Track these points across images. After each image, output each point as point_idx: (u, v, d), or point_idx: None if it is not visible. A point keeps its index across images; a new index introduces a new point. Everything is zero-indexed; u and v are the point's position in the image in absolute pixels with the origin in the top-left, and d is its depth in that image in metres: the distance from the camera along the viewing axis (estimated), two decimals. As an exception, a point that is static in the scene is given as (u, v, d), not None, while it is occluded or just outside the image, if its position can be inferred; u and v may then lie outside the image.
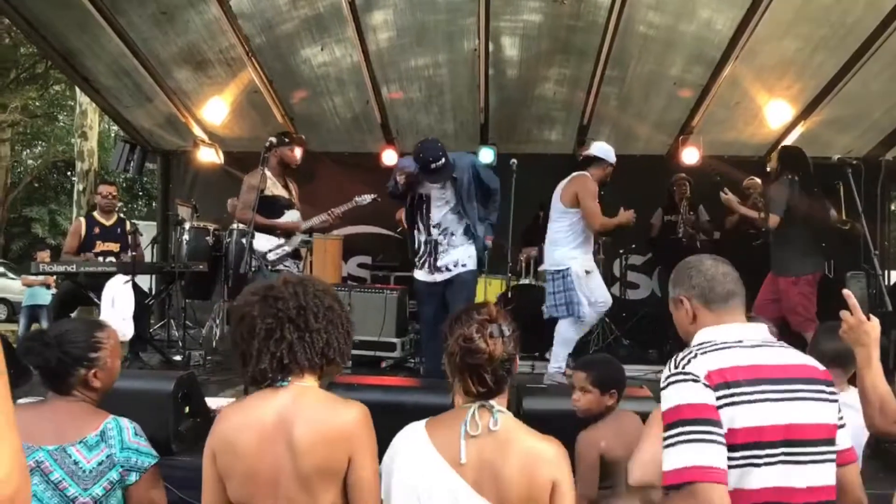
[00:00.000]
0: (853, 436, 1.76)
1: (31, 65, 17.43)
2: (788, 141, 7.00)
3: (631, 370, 3.81)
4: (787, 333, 4.45)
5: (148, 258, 6.46)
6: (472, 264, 4.56)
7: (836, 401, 1.64)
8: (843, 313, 1.99)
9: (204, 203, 7.07)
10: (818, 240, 4.92)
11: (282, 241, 5.09)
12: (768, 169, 5.28)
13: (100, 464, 1.83)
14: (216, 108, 7.15)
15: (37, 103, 19.74)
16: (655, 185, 6.85)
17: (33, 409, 1.92)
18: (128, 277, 4.78)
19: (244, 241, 4.70)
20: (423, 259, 4.62)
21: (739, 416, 1.53)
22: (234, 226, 5.16)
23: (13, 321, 14.05)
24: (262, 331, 1.63)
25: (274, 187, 5.07)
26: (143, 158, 7.85)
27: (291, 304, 1.65)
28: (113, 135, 18.20)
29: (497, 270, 5.96)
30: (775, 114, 6.77)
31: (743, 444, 1.52)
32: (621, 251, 7.19)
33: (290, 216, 5.16)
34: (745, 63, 6.12)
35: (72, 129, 16.02)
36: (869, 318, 1.97)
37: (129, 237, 5.30)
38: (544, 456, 1.58)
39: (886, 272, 5.95)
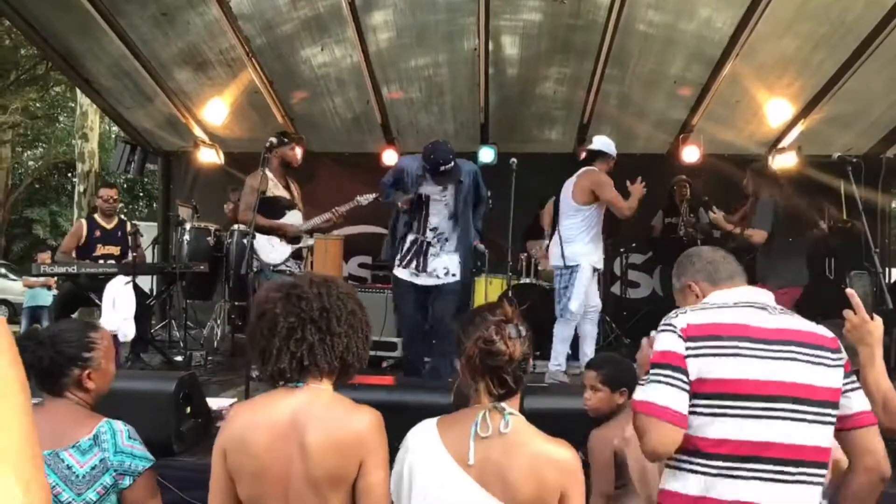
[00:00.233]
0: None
1: (31, 66, 17.41)
2: (789, 140, 7.01)
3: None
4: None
5: (149, 259, 6.47)
6: (459, 274, 4.55)
7: (839, 366, 1.67)
8: (847, 312, 2.00)
9: (204, 204, 7.10)
10: (799, 255, 5.27)
11: (290, 249, 5.06)
12: (746, 187, 5.47)
13: (93, 468, 1.79)
14: (216, 109, 7.14)
15: (37, 105, 19.71)
16: (656, 184, 6.83)
17: None
18: (129, 278, 4.78)
19: (245, 241, 4.71)
20: (408, 258, 4.59)
21: (707, 367, 1.63)
22: (235, 227, 5.16)
23: (15, 322, 14.04)
24: (284, 329, 1.60)
25: (275, 188, 5.07)
26: (144, 159, 7.86)
27: (315, 304, 1.62)
28: (113, 136, 18.25)
29: (497, 270, 5.95)
30: (775, 112, 6.76)
31: (711, 393, 1.62)
32: (622, 250, 7.19)
33: (292, 217, 5.16)
34: (745, 61, 6.10)
35: (72, 130, 16.06)
36: (872, 318, 1.97)
37: (130, 238, 5.30)
38: (554, 460, 1.56)
39: (887, 270, 5.97)
